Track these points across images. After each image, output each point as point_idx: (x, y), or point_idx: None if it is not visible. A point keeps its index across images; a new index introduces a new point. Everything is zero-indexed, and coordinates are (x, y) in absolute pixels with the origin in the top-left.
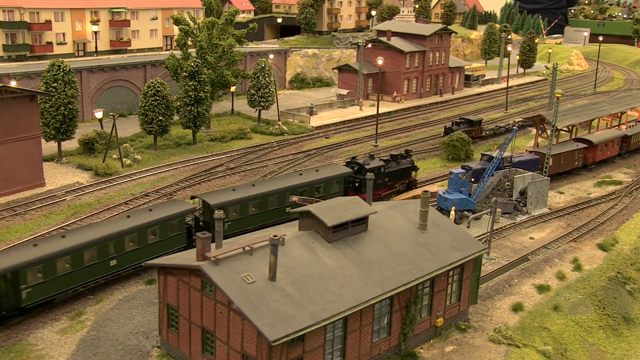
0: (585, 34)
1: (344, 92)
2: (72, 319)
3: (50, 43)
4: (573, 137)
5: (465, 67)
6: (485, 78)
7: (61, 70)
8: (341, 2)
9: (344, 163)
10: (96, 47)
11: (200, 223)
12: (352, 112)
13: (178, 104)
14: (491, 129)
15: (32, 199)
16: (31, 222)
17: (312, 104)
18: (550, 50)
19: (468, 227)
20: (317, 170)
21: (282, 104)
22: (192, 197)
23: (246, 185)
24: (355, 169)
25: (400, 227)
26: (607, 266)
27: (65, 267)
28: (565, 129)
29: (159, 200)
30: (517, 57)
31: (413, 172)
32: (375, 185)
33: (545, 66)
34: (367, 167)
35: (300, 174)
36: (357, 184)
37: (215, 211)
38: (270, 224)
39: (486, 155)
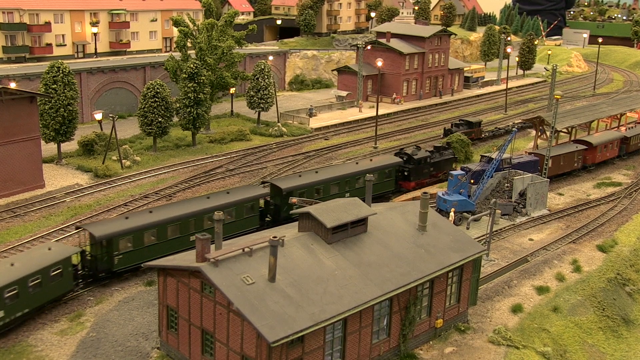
0: (585, 35)
1: (344, 93)
2: (72, 320)
3: (49, 45)
4: (572, 138)
5: (465, 69)
6: (485, 80)
7: (61, 71)
8: (340, 3)
9: (394, 154)
10: (95, 49)
11: (271, 207)
12: (352, 114)
13: (177, 105)
14: (490, 131)
15: (32, 201)
16: (30, 224)
17: (311, 106)
18: (549, 52)
19: (467, 228)
20: (371, 160)
21: (282, 105)
22: (263, 182)
23: (310, 171)
24: (405, 159)
25: (399, 229)
26: (607, 268)
27: (151, 239)
28: (565, 130)
29: (158, 201)
30: (517, 59)
31: (454, 163)
32: (421, 174)
33: (544, 68)
34: (415, 157)
35: (357, 163)
36: (406, 173)
37: (215, 212)
38: None
39: (485, 156)
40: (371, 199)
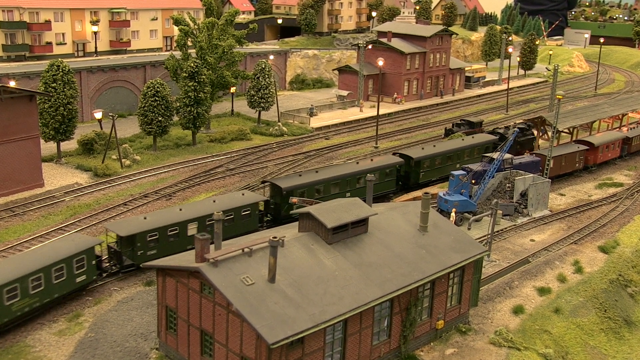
0: (586, 35)
1: (344, 93)
2: (70, 321)
3: (49, 43)
4: (574, 139)
5: (466, 69)
6: (486, 80)
7: (60, 70)
8: (341, 3)
9: (488, 132)
10: (96, 48)
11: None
12: (353, 114)
13: (178, 104)
14: (491, 131)
15: (31, 200)
16: (30, 223)
17: (312, 105)
18: (550, 52)
19: (469, 229)
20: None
21: (282, 105)
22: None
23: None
24: (498, 137)
25: (400, 229)
26: (608, 269)
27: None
28: (566, 130)
29: (157, 201)
30: (518, 59)
31: (534, 142)
32: (511, 149)
33: (546, 68)
34: (507, 136)
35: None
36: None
37: (215, 212)
38: None
39: (487, 156)
40: (372, 199)
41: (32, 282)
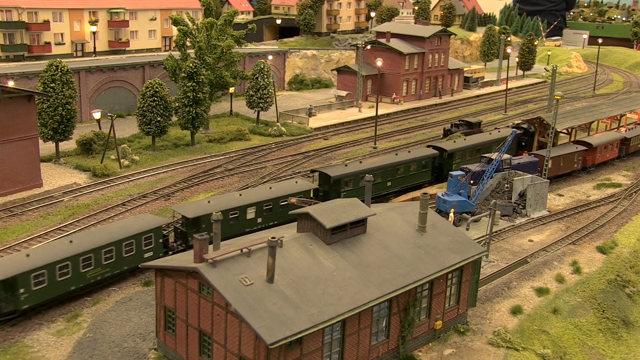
0: (585, 36)
1: (343, 93)
2: (69, 321)
3: (48, 43)
4: (572, 139)
5: (465, 69)
6: (485, 80)
7: (59, 70)
8: (340, 3)
9: (512, 126)
10: (94, 48)
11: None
12: (351, 114)
13: (176, 104)
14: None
15: (30, 200)
16: (28, 223)
17: (311, 106)
18: (549, 53)
19: (467, 229)
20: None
21: (281, 105)
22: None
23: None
24: (523, 132)
25: (399, 229)
26: (607, 269)
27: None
28: (565, 131)
29: (156, 201)
30: (516, 59)
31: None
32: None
33: (544, 68)
34: (530, 130)
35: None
36: (523, 144)
37: (213, 213)
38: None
39: (485, 157)
40: (370, 200)
41: (105, 254)
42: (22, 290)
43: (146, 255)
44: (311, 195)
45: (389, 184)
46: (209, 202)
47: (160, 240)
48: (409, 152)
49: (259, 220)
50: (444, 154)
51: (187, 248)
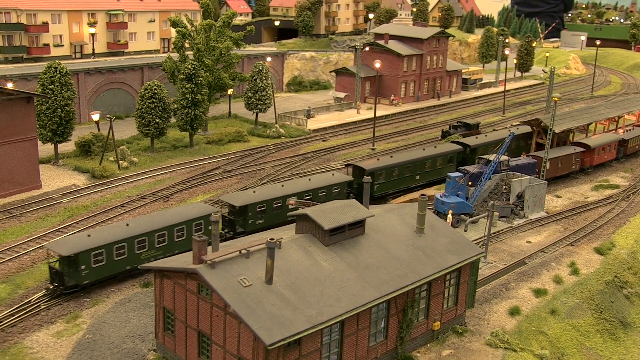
0: (583, 38)
1: (342, 95)
2: (68, 322)
3: (47, 45)
4: (570, 141)
5: (463, 71)
6: (483, 82)
7: (58, 72)
8: (339, 5)
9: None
10: (93, 49)
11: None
12: (350, 115)
13: (175, 106)
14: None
15: (29, 201)
16: (27, 225)
17: (309, 107)
18: (547, 54)
19: (465, 230)
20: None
21: (280, 106)
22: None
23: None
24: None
25: (397, 231)
26: (604, 270)
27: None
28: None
29: (155, 203)
30: (515, 61)
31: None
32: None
33: (542, 70)
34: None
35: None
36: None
37: (212, 214)
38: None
39: (483, 158)
40: (368, 201)
41: (158, 238)
42: (83, 267)
43: None
44: (346, 187)
45: (417, 177)
46: (254, 192)
47: (209, 227)
48: (435, 147)
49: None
50: (467, 149)
51: (234, 235)
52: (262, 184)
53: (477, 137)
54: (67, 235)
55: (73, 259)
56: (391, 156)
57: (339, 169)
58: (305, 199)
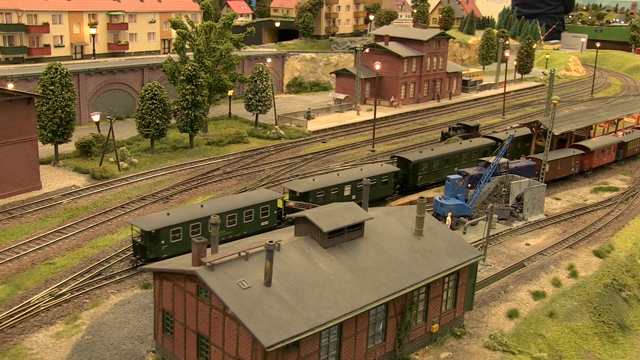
0: (583, 39)
1: (342, 96)
2: (68, 323)
3: (47, 46)
4: (570, 143)
5: (463, 73)
6: (483, 83)
7: (58, 73)
8: (339, 6)
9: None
10: (94, 50)
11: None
12: (350, 117)
13: (175, 107)
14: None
15: (29, 202)
16: (27, 225)
17: (309, 108)
18: (547, 56)
19: (464, 233)
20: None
21: (280, 108)
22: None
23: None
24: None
25: (396, 233)
26: (603, 273)
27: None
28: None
29: (155, 204)
30: (515, 63)
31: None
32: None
33: (542, 72)
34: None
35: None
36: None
37: (211, 216)
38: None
39: (483, 161)
40: (367, 203)
41: (229, 219)
42: (163, 242)
43: (263, 223)
44: (394, 177)
45: (455, 168)
46: (313, 179)
47: (275, 212)
48: (470, 142)
49: (353, 197)
50: (498, 144)
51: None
52: (320, 173)
53: (507, 132)
54: (149, 214)
55: (154, 234)
56: (432, 149)
57: (388, 162)
58: (358, 188)
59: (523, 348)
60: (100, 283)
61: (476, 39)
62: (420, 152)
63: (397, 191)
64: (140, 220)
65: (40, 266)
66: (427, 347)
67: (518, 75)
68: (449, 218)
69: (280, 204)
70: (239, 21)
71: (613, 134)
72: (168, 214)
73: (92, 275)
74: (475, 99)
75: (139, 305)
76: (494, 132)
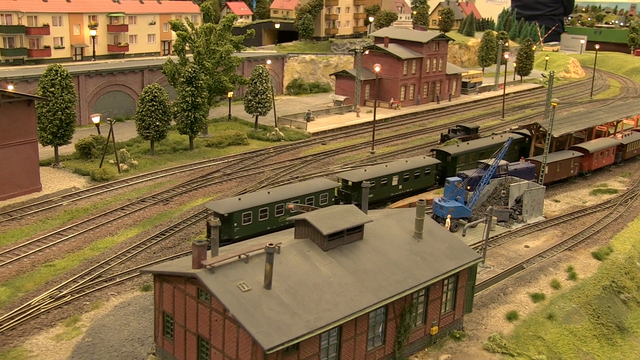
0: (582, 41)
1: (341, 98)
2: (68, 325)
3: (48, 47)
4: (569, 145)
5: (463, 74)
6: (482, 85)
7: (59, 74)
8: (339, 8)
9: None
10: (94, 52)
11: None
12: (349, 119)
13: (175, 109)
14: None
15: (29, 204)
16: (27, 227)
17: (309, 110)
18: (547, 58)
19: (463, 235)
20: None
21: (279, 109)
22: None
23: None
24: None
25: (395, 236)
26: (602, 275)
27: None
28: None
29: (155, 206)
30: (514, 65)
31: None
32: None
33: (542, 74)
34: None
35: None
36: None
37: (212, 219)
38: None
39: (482, 163)
40: (367, 206)
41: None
42: (235, 224)
43: None
44: (435, 169)
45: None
46: (365, 170)
47: (333, 199)
48: (501, 136)
49: (400, 187)
50: (525, 139)
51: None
52: (371, 164)
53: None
54: (222, 199)
55: (227, 217)
56: (467, 143)
57: (428, 155)
58: (404, 178)
59: (522, 350)
60: (101, 285)
61: (476, 40)
62: (458, 145)
63: (437, 182)
64: (215, 204)
65: (41, 268)
66: (426, 350)
67: (517, 77)
68: (448, 220)
69: (336, 192)
70: (239, 22)
71: (612, 136)
72: (240, 199)
73: (92, 277)
74: (475, 101)
75: (139, 307)
76: (519, 127)
